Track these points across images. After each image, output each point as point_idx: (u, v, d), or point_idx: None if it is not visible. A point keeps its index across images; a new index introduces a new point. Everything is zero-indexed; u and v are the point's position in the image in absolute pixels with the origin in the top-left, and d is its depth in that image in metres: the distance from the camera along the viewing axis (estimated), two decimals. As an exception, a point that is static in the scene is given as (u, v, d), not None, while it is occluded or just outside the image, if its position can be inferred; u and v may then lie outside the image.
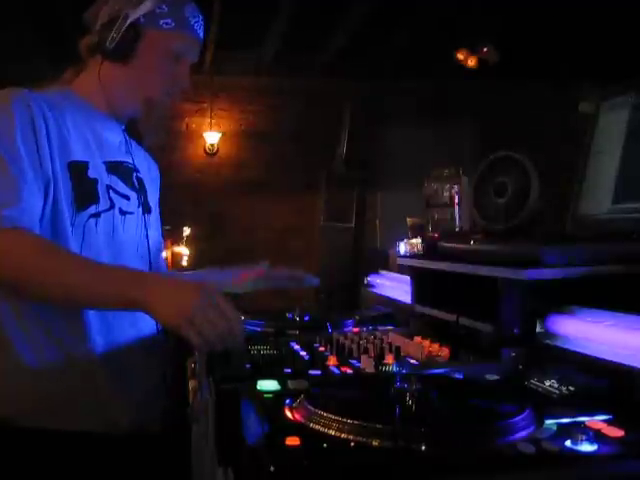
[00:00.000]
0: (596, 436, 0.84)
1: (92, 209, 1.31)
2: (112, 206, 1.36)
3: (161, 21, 1.35)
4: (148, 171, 1.57)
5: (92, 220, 1.31)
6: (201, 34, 1.44)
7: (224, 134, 6.21)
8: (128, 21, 1.33)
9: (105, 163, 1.38)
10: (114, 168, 1.41)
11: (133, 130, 1.51)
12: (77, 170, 1.30)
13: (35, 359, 1.26)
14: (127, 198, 1.41)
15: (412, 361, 1.36)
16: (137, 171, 1.49)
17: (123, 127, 1.49)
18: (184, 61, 1.42)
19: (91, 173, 1.33)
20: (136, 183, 1.47)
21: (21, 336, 1.25)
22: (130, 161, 1.48)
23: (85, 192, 1.31)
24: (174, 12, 1.37)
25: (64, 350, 1.27)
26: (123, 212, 1.39)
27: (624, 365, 1.07)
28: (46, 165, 1.24)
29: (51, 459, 1.26)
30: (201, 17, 1.43)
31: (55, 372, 1.27)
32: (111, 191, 1.37)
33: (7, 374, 1.27)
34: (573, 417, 0.93)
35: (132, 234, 1.43)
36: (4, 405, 1.26)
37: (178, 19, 1.37)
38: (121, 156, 1.45)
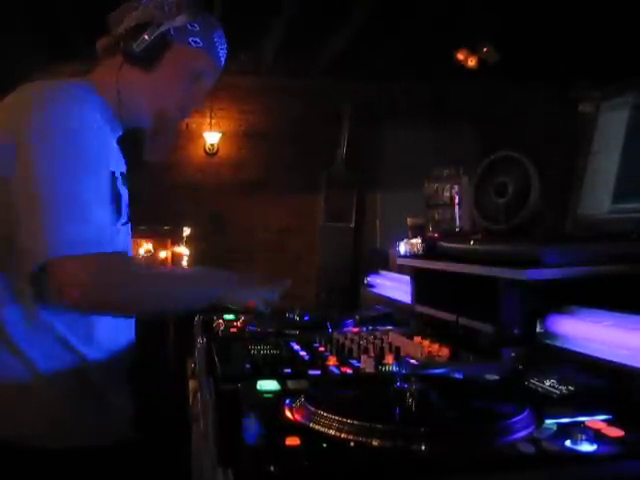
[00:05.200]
0: (596, 436, 0.84)
1: (119, 223, 1.31)
2: (127, 220, 1.37)
3: (190, 38, 1.35)
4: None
5: (115, 235, 1.30)
6: (223, 62, 1.44)
7: (224, 134, 6.21)
8: (160, 29, 1.32)
9: (121, 174, 1.37)
10: (124, 179, 1.39)
11: (128, 141, 1.49)
12: (113, 182, 1.29)
13: (47, 369, 1.22)
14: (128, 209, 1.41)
15: (412, 361, 1.36)
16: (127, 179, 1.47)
17: (120, 134, 1.45)
18: (203, 83, 1.41)
19: (118, 184, 1.32)
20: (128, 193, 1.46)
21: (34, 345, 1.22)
22: (125, 170, 1.45)
23: (117, 204, 1.30)
24: (204, 33, 1.37)
25: (75, 359, 1.25)
26: (127, 224, 1.39)
27: (624, 365, 1.07)
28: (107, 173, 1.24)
29: (55, 475, 1.22)
30: (226, 46, 1.43)
31: (65, 387, 1.24)
32: (123, 204, 1.37)
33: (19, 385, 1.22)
34: (573, 417, 0.93)
35: (129, 246, 1.42)
36: (14, 424, 1.21)
37: (207, 41, 1.37)
38: (123, 166, 1.44)
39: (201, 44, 1.36)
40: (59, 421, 1.23)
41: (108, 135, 1.32)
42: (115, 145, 1.40)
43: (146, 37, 1.31)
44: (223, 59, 1.43)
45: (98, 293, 1.14)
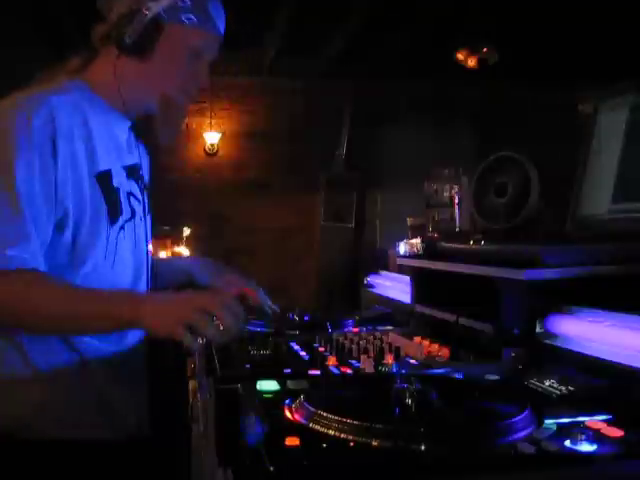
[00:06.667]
0: (596, 436, 0.84)
1: (120, 221, 1.28)
2: (133, 214, 1.33)
3: (183, 16, 1.29)
4: (144, 162, 1.49)
5: (121, 232, 1.28)
6: (222, 31, 1.38)
7: (224, 134, 6.21)
8: (149, 15, 1.26)
9: (124, 168, 1.34)
10: (131, 172, 1.36)
11: (141, 128, 1.43)
12: (104, 181, 1.26)
13: (46, 365, 1.22)
14: (140, 202, 1.38)
15: (412, 361, 1.36)
16: (141, 169, 1.43)
17: (129, 124, 1.40)
18: (203, 58, 1.36)
19: (114, 181, 1.28)
20: (142, 184, 1.42)
21: (33, 340, 1.21)
22: (138, 161, 1.42)
23: (113, 203, 1.26)
24: (197, 7, 1.30)
25: (74, 356, 1.24)
26: (140, 218, 1.36)
27: (624, 365, 1.07)
28: (64, 193, 1.18)
29: (57, 469, 1.21)
30: (223, 13, 1.37)
31: (66, 379, 1.23)
32: (131, 198, 1.33)
33: (18, 380, 1.22)
34: (573, 417, 0.93)
35: (143, 239, 1.39)
36: (11, 416, 1.21)
37: (201, 15, 1.31)
38: (132, 157, 1.40)
39: (195, 20, 1.30)
40: (54, 413, 1.23)
41: (91, 134, 1.26)
42: (120, 138, 1.37)
43: (136, 26, 1.26)
44: (222, 28, 1.37)
45: None
